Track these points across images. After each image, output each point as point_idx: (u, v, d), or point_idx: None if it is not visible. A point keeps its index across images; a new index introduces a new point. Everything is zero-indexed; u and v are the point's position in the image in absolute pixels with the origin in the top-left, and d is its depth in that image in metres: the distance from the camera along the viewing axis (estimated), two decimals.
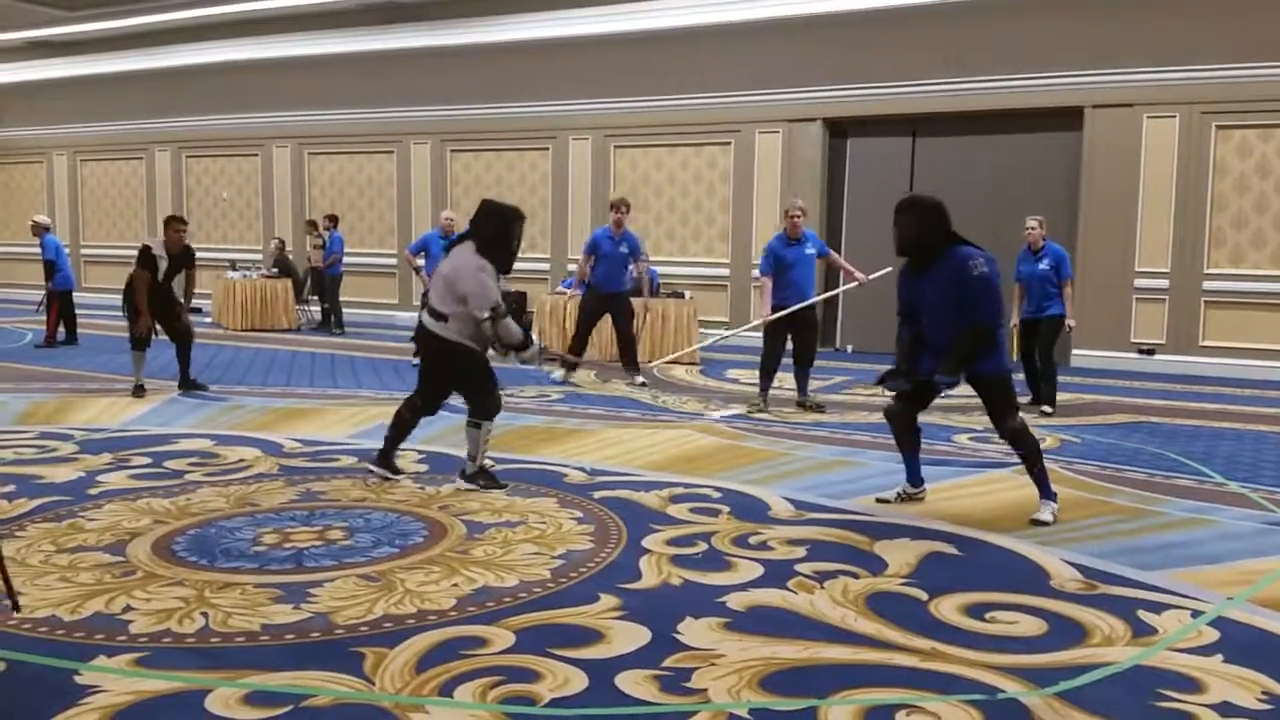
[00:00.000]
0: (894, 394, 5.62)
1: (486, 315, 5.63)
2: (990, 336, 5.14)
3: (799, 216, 8.67)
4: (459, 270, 5.71)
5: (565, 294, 12.83)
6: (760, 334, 8.94)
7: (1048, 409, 8.64)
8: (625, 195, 15.11)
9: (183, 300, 9.34)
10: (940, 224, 5.21)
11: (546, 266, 15.64)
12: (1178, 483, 6.20)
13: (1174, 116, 11.83)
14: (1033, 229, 8.94)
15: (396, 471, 6.02)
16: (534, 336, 6.10)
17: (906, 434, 5.62)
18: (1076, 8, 11.94)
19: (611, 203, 10.66)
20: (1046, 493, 5.25)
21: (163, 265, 9.03)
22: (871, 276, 9.04)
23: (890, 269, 10.00)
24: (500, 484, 5.81)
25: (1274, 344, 11.50)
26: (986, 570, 4.44)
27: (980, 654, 3.47)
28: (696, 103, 14.43)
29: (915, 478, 5.67)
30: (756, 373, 9.05)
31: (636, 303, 10.86)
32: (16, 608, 3.23)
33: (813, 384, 9.25)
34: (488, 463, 5.97)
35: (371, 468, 6.01)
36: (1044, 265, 8.81)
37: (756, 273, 9.90)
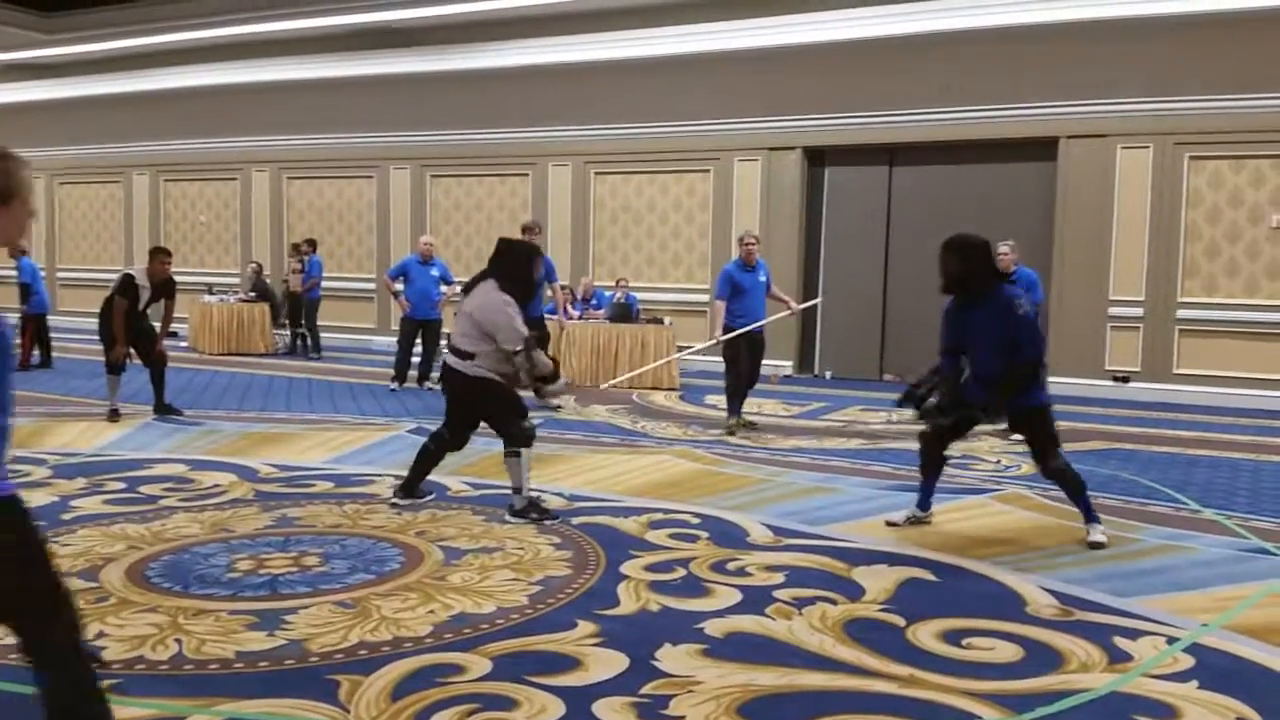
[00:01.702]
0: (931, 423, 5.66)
1: (519, 349, 5.68)
2: (1035, 372, 5.29)
3: (754, 245, 9.19)
4: (485, 309, 5.75)
5: (548, 320, 12.83)
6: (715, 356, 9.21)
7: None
8: (603, 222, 15.26)
9: (160, 329, 9.31)
10: (988, 263, 5.37)
11: None
12: (1153, 510, 6.24)
13: (1148, 147, 11.97)
14: (1004, 254, 8.99)
15: (423, 494, 6.08)
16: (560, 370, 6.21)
17: (934, 460, 5.68)
18: (1052, 40, 12.09)
19: (524, 225, 10.68)
20: (1091, 517, 5.36)
21: (144, 295, 9.01)
22: (802, 306, 9.68)
23: (819, 300, 10.49)
24: (552, 515, 5.72)
25: (1247, 372, 11.61)
26: (964, 596, 4.45)
27: (958, 680, 3.48)
28: (676, 130, 14.51)
29: (926, 503, 5.74)
30: (725, 397, 9.35)
31: (552, 323, 11.20)
32: None
33: (792, 409, 9.38)
34: (534, 493, 5.92)
35: (398, 501, 5.98)
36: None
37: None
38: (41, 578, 2.38)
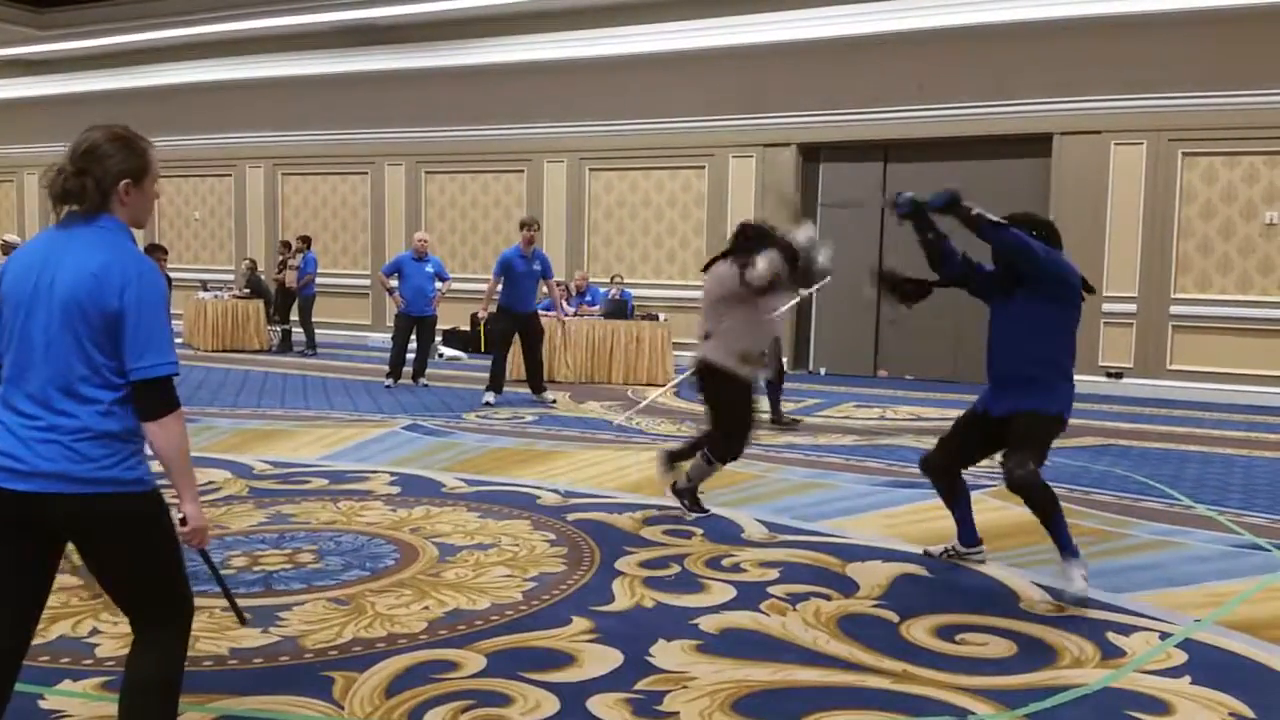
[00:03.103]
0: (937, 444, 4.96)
1: (743, 276, 5.39)
2: (1012, 241, 4.59)
3: None
4: (715, 278, 5.63)
5: (541, 315, 12.83)
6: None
7: None
8: (598, 218, 15.25)
9: None
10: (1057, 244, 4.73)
11: None
12: (1146, 505, 6.26)
13: (1141, 143, 11.99)
14: None
15: (704, 510, 5.75)
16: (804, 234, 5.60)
17: (949, 491, 4.93)
18: (1046, 36, 12.10)
19: (522, 222, 10.66)
20: (1067, 549, 4.39)
21: None
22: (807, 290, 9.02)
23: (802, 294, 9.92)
24: (703, 510, 5.70)
25: (1240, 368, 11.64)
26: (957, 592, 4.46)
27: (951, 676, 3.49)
28: (671, 126, 14.50)
29: (968, 536, 4.93)
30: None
31: (549, 321, 11.04)
32: (242, 620, 3.24)
33: (787, 405, 9.39)
34: (700, 491, 5.79)
35: (687, 513, 5.70)
36: None
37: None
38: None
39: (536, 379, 10.48)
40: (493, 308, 10.48)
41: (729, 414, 5.61)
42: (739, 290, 5.45)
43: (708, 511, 5.70)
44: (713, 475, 5.78)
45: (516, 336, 10.41)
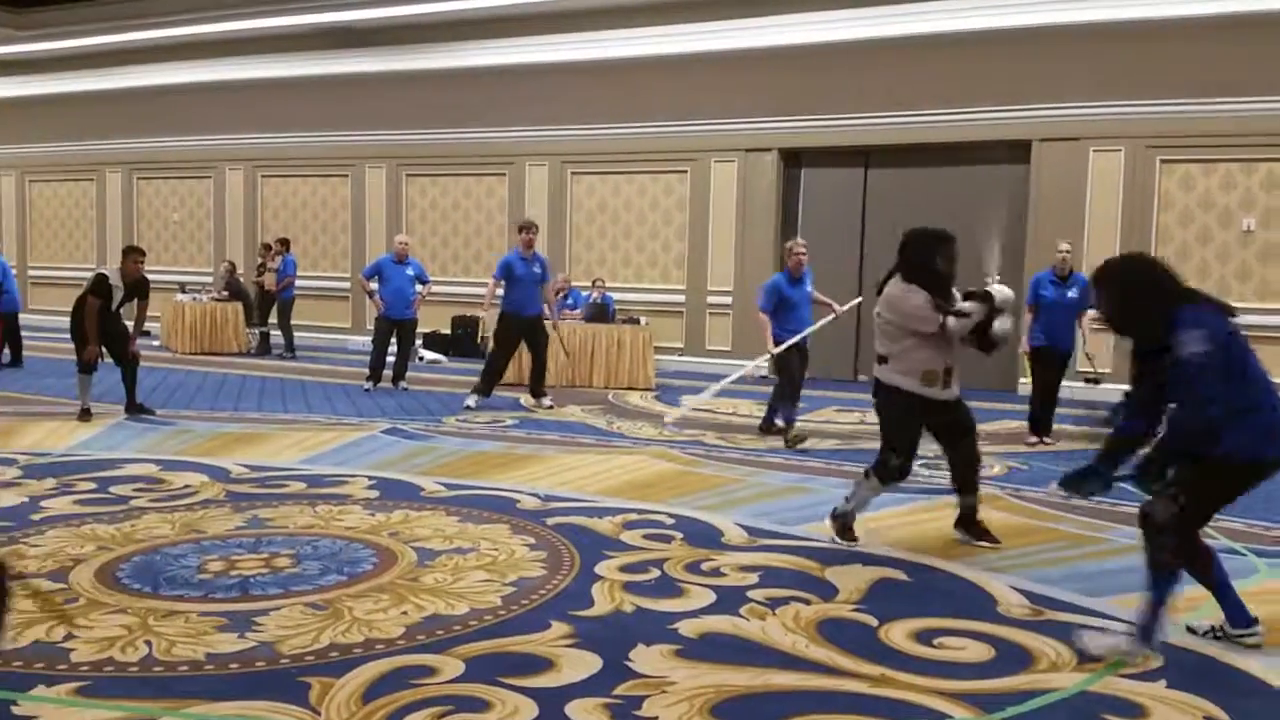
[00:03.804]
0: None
1: (944, 323, 5.11)
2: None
3: (804, 254, 8.73)
4: (896, 310, 5.23)
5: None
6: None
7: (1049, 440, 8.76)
8: (579, 221, 15.24)
9: (133, 329, 9.22)
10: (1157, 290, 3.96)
11: (501, 292, 15.58)
12: (1123, 509, 6.27)
13: (1119, 150, 12.08)
14: (1066, 253, 8.83)
15: (854, 538, 5.39)
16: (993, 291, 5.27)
17: (1199, 558, 3.88)
18: (1025, 44, 12.18)
19: (521, 224, 10.59)
20: (1150, 618, 3.73)
21: (118, 295, 8.93)
22: (844, 307, 8.88)
23: (860, 299, 9.45)
24: (852, 538, 5.33)
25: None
26: (935, 596, 4.48)
27: (929, 680, 3.50)
28: (653, 131, 14.51)
29: (1237, 614, 3.89)
30: (770, 406, 8.96)
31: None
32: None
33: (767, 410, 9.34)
34: (854, 515, 5.41)
35: (836, 539, 5.38)
36: (1073, 294, 8.75)
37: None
38: None
39: (539, 383, 10.43)
40: (494, 311, 10.40)
41: (897, 433, 5.30)
42: (930, 329, 5.15)
43: (857, 540, 5.33)
44: (874, 498, 5.46)
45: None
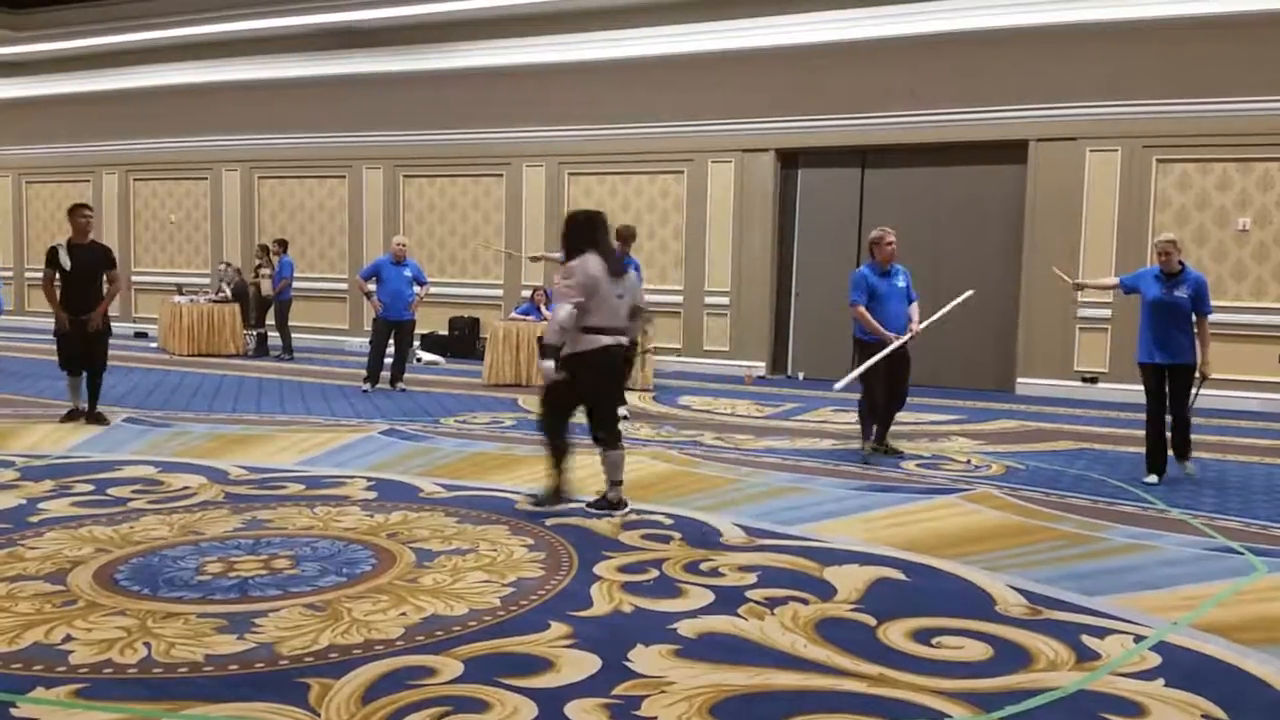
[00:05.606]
0: None
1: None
2: None
3: (894, 244, 7.98)
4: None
5: (519, 320, 12.83)
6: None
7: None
8: None
9: (101, 304, 8.58)
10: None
11: (500, 292, 15.60)
12: (1120, 509, 6.30)
13: (1116, 150, 12.09)
14: (1170, 247, 7.30)
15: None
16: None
17: None
18: (1022, 44, 12.20)
19: (620, 233, 9.60)
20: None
21: (64, 259, 8.39)
22: (952, 305, 8.41)
23: (971, 292, 8.62)
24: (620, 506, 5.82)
25: (1213, 373, 11.70)
26: (933, 595, 4.48)
27: (927, 679, 3.50)
28: (650, 132, 14.52)
29: None
30: (857, 414, 8.17)
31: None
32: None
33: (765, 409, 9.28)
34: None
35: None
36: (1181, 293, 7.21)
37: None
38: None
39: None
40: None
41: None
42: None
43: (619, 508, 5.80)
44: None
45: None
